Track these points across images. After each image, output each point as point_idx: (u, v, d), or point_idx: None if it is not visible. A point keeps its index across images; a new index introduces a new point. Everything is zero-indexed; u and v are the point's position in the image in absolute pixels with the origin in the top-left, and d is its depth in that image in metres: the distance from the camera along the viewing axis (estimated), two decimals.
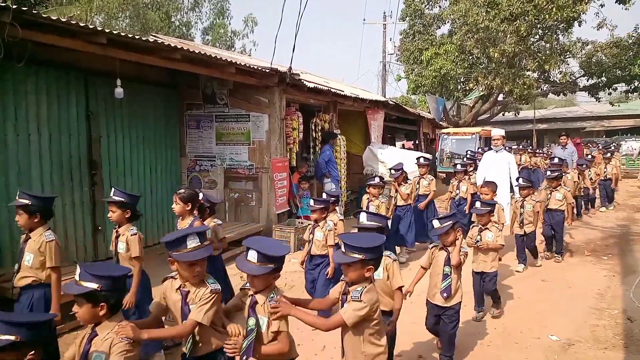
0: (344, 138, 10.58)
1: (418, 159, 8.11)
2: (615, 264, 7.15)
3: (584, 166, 10.23)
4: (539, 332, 4.75)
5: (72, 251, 6.56)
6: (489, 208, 5.05)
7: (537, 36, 19.94)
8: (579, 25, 19.10)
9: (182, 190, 4.48)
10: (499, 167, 7.67)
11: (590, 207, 11.41)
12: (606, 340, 4.55)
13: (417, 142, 17.15)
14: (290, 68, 7.96)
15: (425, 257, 4.07)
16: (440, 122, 19.74)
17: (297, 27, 8.07)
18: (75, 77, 6.53)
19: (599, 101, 24.88)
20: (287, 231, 7.82)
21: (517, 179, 7.08)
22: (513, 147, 19.23)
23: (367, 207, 6.26)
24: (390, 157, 10.87)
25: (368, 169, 11.38)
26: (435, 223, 3.86)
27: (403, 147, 17.08)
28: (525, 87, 19.22)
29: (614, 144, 20.58)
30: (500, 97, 23.60)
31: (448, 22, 22.52)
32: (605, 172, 11.77)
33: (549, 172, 7.42)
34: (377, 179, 6.58)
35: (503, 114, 28.09)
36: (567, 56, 20.77)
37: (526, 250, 6.90)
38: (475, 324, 4.98)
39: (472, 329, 4.87)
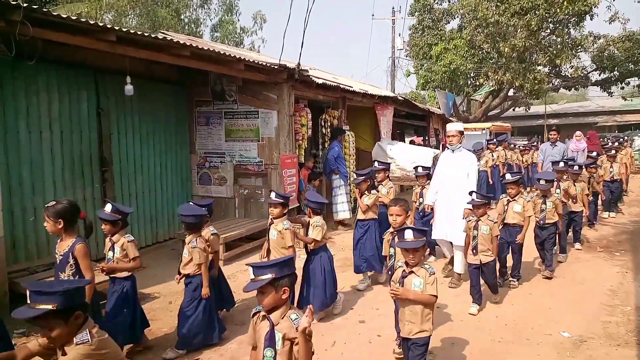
0: (352, 134, 10.56)
1: (373, 162, 7.07)
2: (628, 260, 7.07)
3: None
4: (551, 328, 4.71)
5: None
6: (423, 240, 3.37)
7: (548, 30, 19.75)
8: (591, 19, 18.90)
9: (52, 203, 3.52)
10: (456, 172, 5.88)
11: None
12: (619, 337, 4.51)
13: (426, 137, 17.06)
14: (299, 64, 7.95)
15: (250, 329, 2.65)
16: (450, 118, 19.62)
17: (306, 23, 8.06)
18: (85, 74, 6.59)
19: (611, 96, 24.60)
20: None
21: (471, 193, 5.34)
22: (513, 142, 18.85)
23: (268, 232, 4.84)
24: (399, 153, 10.82)
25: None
26: (251, 272, 2.46)
27: (412, 142, 17.03)
28: (536, 82, 19.06)
29: (621, 138, 18.24)
30: (511, 92, 23.43)
31: (457, 16, 22.37)
32: (611, 172, 9.99)
33: (508, 176, 6.07)
34: (273, 195, 4.80)
35: (513, 109, 27.83)
36: (579, 50, 20.54)
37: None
38: (485, 319, 4.95)
39: (482, 324, 4.85)
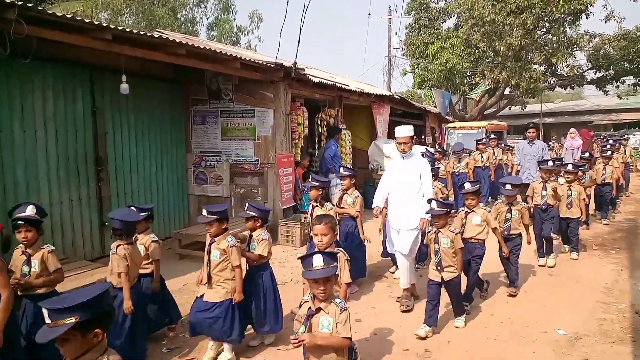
0: (349, 133, 10.57)
1: (339, 167, 6.43)
2: (623, 258, 7.10)
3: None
4: (546, 326, 4.73)
5: (79, 247, 6.60)
6: (334, 267, 2.77)
7: (544, 29, 19.80)
8: (587, 18, 18.94)
9: None
10: (408, 178, 5.19)
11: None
12: (614, 334, 4.53)
13: (423, 136, 17.10)
14: (295, 63, 7.95)
15: None
16: (447, 117, 19.67)
17: (302, 21, 8.06)
18: (80, 73, 6.56)
19: (606, 94, 24.69)
20: (293, 226, 7.83)
21: (430, 201, 4.73)
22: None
23: (208, 254, 4.03)
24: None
25: (373, 164, 11.36)
26: (45, 315, 1.94)
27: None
28: (531, 80, 19.10)
29: (615, 137, 16.63)
30: (507, 91, 23.47)
31: (454, 15, 22.41)
32: (603, 174, 9.20)
33: (467, 185, 5.26)
34: (204, 212, 4.00)
35: (509, 108, 27.91)
36: (575, 49, 20.59)
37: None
38: (481, 317, 4.97)
39: (477, 322, 4.86)
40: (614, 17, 18.94)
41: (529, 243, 5.84)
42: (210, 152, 8.58)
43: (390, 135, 13.51)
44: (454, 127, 16.38)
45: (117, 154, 7.19)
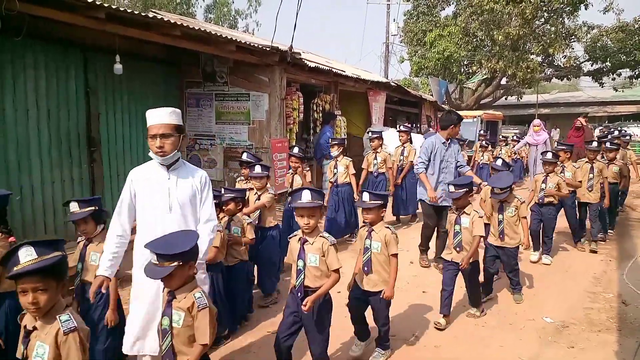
0: (344, 119, 10.53)
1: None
2: (613, 248, 7.18)
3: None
4: (534, 313, 4.79)
5: (71, 227, 6.57)
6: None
7: (543, 19, 19.75)
8: (585, 9, 18.93)
9: None
10: (172, 211, 3.29)
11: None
12: (600, 323, 4.59)
13: (418, 124, 17.09)
14: (291, 47, 7.88)
15: None
16: (442, 105, 19.64)
17: (299, 5, 7.97)
18: (74, 52, 6.46)
19: (602, 86, 24.76)
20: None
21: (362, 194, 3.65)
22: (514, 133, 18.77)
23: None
24: (391, 140, 10.82)
25: (368, 151, 11.34)
26: None
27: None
28: (528, 70, 19.10)
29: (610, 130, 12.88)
30: (503, 81, 23.46)
31: (453, 3, 22.31)
32: (542, 189, 6.30)
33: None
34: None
35: (505, 98, 27.95)
36: (572, 40, 20.61)
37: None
38: (469, 305, 5.01)
39: (466, 309, 4.91)
40: (612, 8, 18.95)
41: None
42: (204, 135, 8.54)
43: (386, 122, 13.51)
44: None
45: (110, 134, 7.12)
